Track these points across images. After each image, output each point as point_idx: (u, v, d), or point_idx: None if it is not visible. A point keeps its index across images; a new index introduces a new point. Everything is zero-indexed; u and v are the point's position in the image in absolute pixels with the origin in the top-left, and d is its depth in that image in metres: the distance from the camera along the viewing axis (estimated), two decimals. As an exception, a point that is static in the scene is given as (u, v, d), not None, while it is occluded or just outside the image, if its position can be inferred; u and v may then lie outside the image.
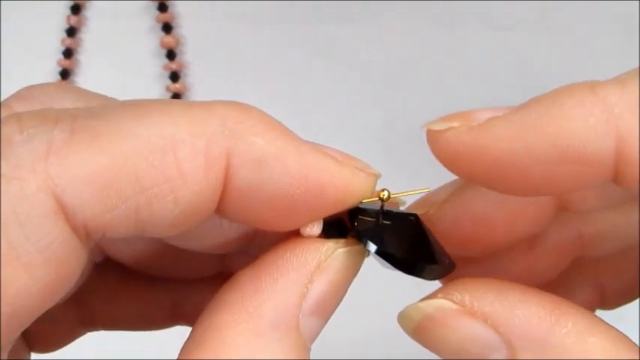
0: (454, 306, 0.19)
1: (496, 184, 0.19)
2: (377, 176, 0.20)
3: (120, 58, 0.42)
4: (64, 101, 0.20)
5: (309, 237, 0.20)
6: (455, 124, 0.19)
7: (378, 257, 0.20)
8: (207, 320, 0.18)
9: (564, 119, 0.18)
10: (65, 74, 0.42)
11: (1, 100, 0.20)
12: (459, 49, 0.41)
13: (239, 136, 0.18)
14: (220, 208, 0.19)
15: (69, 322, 0.25)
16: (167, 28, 0.42)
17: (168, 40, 0.42)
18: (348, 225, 0.20)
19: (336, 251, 0.19)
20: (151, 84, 0.43)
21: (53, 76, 0.42)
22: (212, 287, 0.21)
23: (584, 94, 0.18)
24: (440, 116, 0.19)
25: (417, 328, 0.20)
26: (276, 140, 0.18)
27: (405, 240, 0.21)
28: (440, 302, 0.20)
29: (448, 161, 0.19)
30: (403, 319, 0.20)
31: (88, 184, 0.17)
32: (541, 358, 0.18)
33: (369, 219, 0.20)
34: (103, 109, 0.18)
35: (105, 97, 0.21)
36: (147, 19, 0.42)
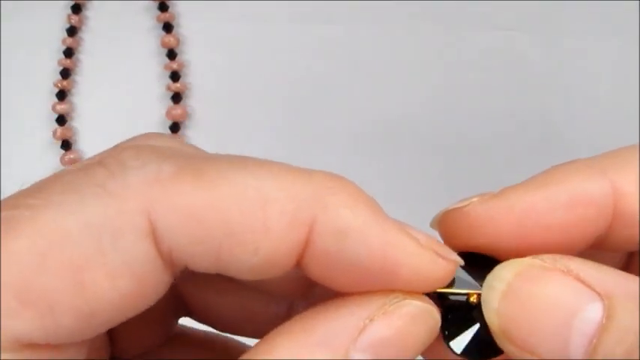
0: (545, 263, 0.19)
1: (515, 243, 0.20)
2: (457, 263, 0.20)
3: (120, 58, 0.42)
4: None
5: None
6: (474, 199, 0.20)
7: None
8: (272, 332, 0.19)
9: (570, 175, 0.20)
10: (66, 73, 0.42)
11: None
12: (459, 49, 0.41)
13: (327, 206, 0.19)
14: (300, 265, 0.19)
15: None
16: (167, 27, 0.42)
17: (169, 39, 0.42)
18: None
19: (404, 300, 0.19)
20: (152, 83, 0.43)
21: (54, 75, 0.42)
22: None
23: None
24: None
25: (507, 290, 0.19)
26: (363, 215, 0.19)
27: (477, 337, 0.20)
28: (530, 260, 0.19)
29: (468, 235, 0.20)
30: (492, 285, 0.20)
31: (182, 216, 0.18)
32: None
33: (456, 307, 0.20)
34: (210, 156, 0.20)
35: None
36: (147, 18, 0.42)
